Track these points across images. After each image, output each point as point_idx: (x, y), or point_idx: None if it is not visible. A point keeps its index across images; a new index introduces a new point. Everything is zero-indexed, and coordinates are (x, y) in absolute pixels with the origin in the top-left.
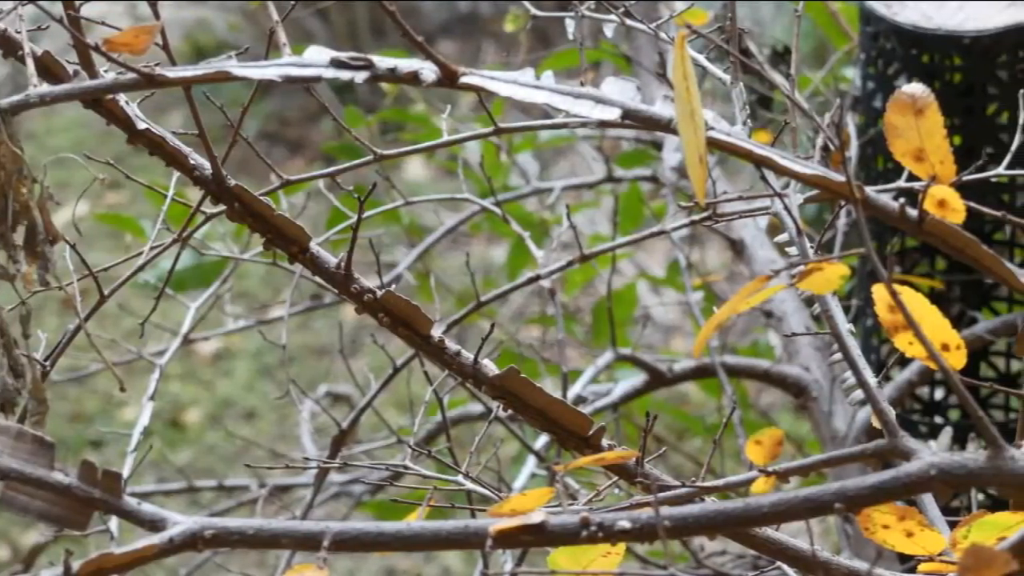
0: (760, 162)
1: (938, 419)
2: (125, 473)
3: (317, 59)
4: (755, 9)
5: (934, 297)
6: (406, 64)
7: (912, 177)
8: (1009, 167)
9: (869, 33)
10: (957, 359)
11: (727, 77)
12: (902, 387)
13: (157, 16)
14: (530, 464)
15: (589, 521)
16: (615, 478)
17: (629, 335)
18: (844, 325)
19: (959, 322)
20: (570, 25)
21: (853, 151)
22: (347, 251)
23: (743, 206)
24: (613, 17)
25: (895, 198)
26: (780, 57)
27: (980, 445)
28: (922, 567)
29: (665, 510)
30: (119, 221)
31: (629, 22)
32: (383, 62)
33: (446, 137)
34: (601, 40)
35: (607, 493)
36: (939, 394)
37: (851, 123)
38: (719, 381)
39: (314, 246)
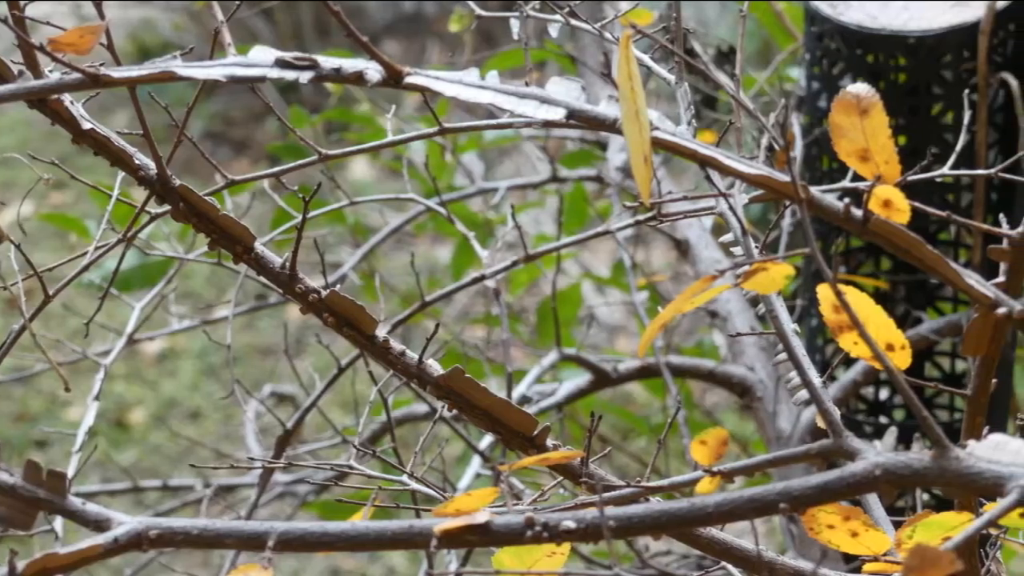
0: (705, 162)
1: (883, 419)
2: (70, 473)
3: (262, 59)
4: (700, 9)
5: (879, 297)
6: (351, 64)
7: (857, 177)
8: (954, 167)
9: (814, 33)
10: (902, 359)
11: (672, 77)
12: (847, 387)
13: (102, 16)
14: (475, 464)
15: (534, 521)
16: (560, 478)
17: (574, 335)
18: (789, 325)
19: (904, 322)
20: (515, 25)
21: (798, 151)
22: (292, 251)
23: (688, 206)
24: (558, 17)
25: (840, 198)
26: (725, 57)
27: (925, 445)
28: (867, 567)
29: (610, 510)
30: (64, 221)
31: (574, 22)
32: (328, 62)
33: (391, 137)
34: (546, 40)
35: (552, 493)
36: (884, 394)
37: (796, 123)
38: (664, 381)
39: (259, 246)
